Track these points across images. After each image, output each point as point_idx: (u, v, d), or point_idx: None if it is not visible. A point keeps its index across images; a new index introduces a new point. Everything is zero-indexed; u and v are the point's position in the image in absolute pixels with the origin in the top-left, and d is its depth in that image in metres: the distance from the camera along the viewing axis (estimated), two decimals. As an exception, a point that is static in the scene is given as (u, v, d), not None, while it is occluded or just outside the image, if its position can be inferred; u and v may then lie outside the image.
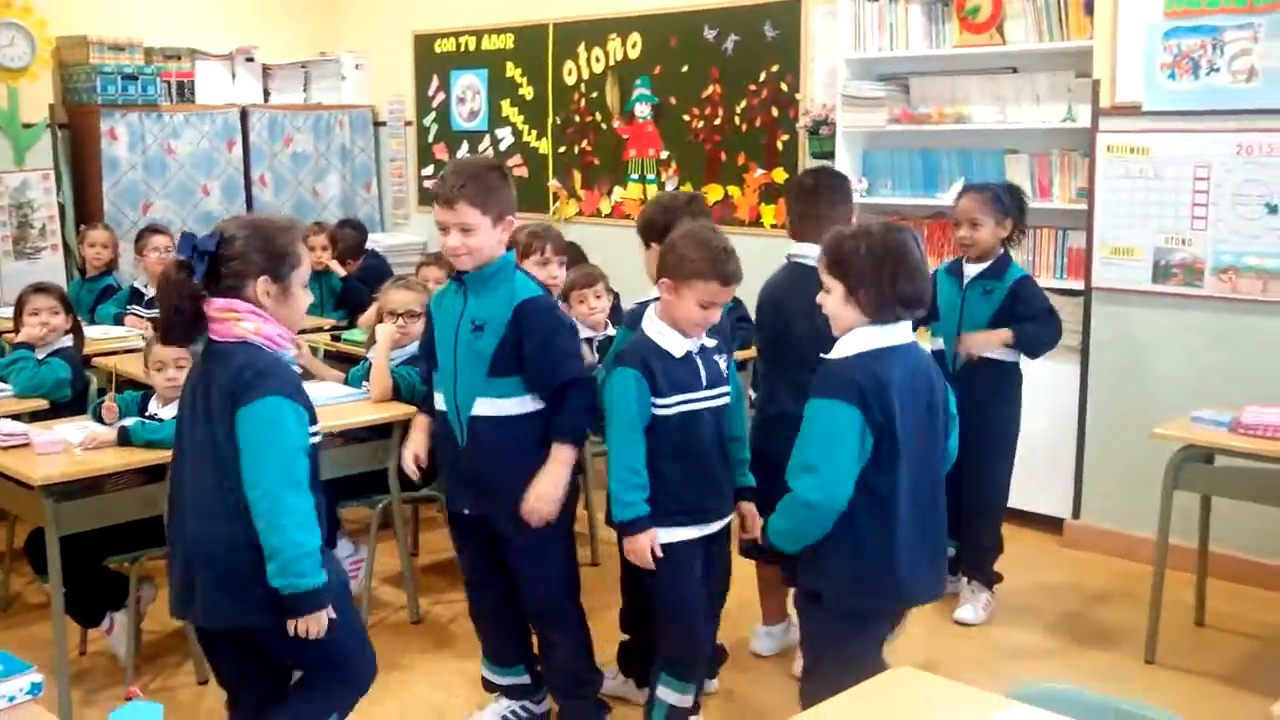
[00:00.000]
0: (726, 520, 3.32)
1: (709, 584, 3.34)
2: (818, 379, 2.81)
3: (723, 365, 3.26)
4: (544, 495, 3.21)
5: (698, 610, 3.30)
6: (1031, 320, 4.28)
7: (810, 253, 3.68)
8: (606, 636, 4.15)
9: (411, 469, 3.51)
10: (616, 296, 5.20)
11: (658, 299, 3.25)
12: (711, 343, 3.25)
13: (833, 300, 2.84)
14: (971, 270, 4.36)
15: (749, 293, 5.47)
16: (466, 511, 3.40)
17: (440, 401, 3.37)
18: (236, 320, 2.66)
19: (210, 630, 2.88)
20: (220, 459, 2.66)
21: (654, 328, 3.19)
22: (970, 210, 4.32)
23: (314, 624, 2.64)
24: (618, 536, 3.42)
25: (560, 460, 3.22)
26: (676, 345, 3.16)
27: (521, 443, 3.24)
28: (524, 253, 4.32)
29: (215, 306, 2.67)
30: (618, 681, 3.79)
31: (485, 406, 3.23)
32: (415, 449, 3.49)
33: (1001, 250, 4.37)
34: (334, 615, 2.72)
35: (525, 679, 3.57)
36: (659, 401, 3.11)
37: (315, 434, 2.74)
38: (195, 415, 2.74)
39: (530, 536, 3.28)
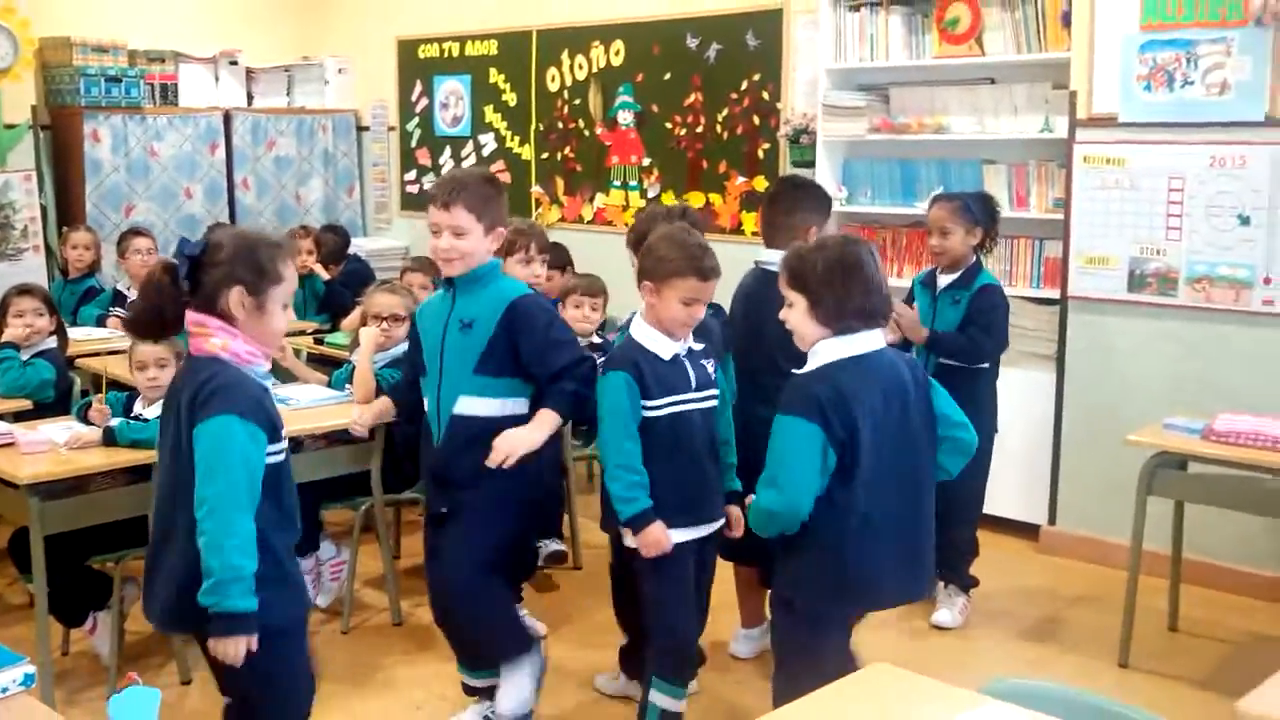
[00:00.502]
0: (718, 524, 3.35)
1: (699, 587, 3.38)
2: (784, 395, 2.85)
3: (710, 369, 3.30)
4: (517, 439, 3.21)
5: (689, 613, 3.33)
6: (969, 326, 4.32)
7: (775, 259, 3.77)
8: (590, 639, 4.20)
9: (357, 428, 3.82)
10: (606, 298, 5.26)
11: None
12: (699, 346, 3.29)
13: (795, 314, 2.89)
14: (944, 280, 4.43)
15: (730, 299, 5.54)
16: (444, 510, 3.42)
17: (425, 405, 3.41)
18: (206, 336, 2.65)
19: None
20: (179, 470, 2.67)
21: (641, 332, 3.24)
22: (940, 219, 4.38)
23: (231, 648, 2.58)
24: (611, 541, 3.46)
25: (543, 421, 3.25)
26: (664, 348, 3.21)
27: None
28: (508, 250, 4.34)
29: (190, 320, 2.67)
30: (620, 683, 3.82)
31: (466, 405, 3.29)
32: (362, 412, 3.82)
33: (974, 259, 4.43)
34: (276, 650, 2.68)
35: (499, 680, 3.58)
36: (648, 404, 3.16)
37: (277, 451, 2.69)
38: (165, 424, 2.76)
39: (474, 527, 3.33)
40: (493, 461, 3.19)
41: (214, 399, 2.59)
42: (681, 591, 3.29)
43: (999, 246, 5.35)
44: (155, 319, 2.73)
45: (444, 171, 8.02)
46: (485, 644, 3.51)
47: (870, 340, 2.86)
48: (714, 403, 3.30)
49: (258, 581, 2.59)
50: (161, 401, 3.84)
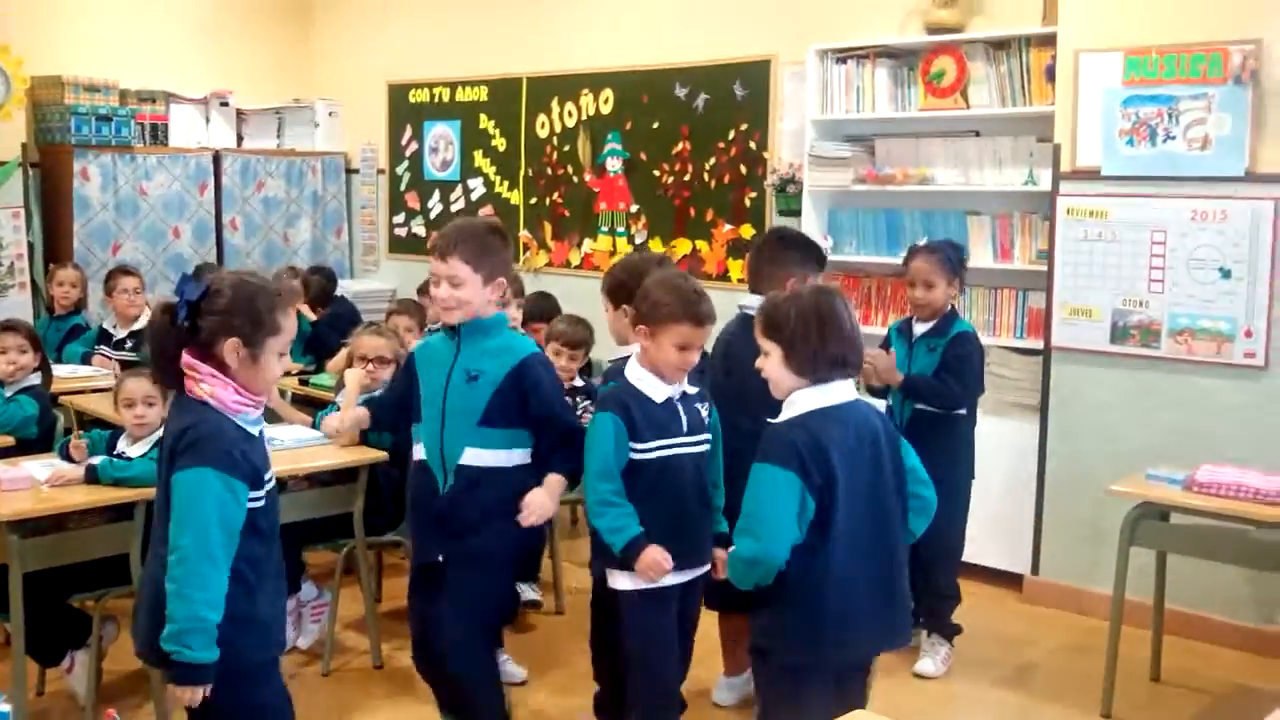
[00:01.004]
0: (704, 569, 3.35)
1: (682, 633, 3.37)
2: (762, 443, 2.84)
3: (704, 412, 3.32)
4: (541, 504, 3.30)
5: (671, 659, 3.33)
6: (943, 372, 4.35)
7: (751, 302, 3.83)
8: (572, 685, 4.18)
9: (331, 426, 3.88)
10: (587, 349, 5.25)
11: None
12: (693, 390, 3.30)
13: (771, 363, 2.89)
14: (919, 328, 4.46)
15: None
16: (440, 559, 3.40)
17: (420, 451, 3.42)
18: (197, 381, 2.66)
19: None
20: (161, 513, 2.69)
21: (635, 374, 3.27)
22: (925, 271, 4.40)
23: (187, 694, 2.61)
24: (595, 585, 3.45)
25: (555, 484, 3.34)
26: (657, 391, 3.24)
27: (504, 492, 3.30)
28: None
29: (184, 362, 2.67)
30: None
31: (473, 456, 3.31)
32: (342, 419, 3.86)
33: (949, 308, 4.46)
34: (242, 691, 2.70)
35: None
36: (637, 446, 3.17)
37: (258, 498, 2.68)
38: (159, 460, 2.78)
39: (474, 577, 3.36)
40: (526, 521, 3.28)
41: (192, 450, 2.60)
42: (665, 636, 3.29)
43: (983, 296, 5.44)
44: (168, 363, 2.70)
45: (432, 215, 8.06)
46: (467, 701, 3.51)
47: (843, 391, 2.87)
48: (705, 447, 3.31)
49: (228, 620, 2.60)
50: (145, 440, 3.89)
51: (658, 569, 3.15)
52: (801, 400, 2.84)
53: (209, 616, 2.57)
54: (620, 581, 3.27)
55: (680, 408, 3.24)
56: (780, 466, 2.75)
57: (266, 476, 2.72)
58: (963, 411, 4.41)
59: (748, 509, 2.82)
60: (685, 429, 3.24)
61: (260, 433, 2.75)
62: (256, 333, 2.66)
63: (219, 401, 2.65)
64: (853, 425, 2.85)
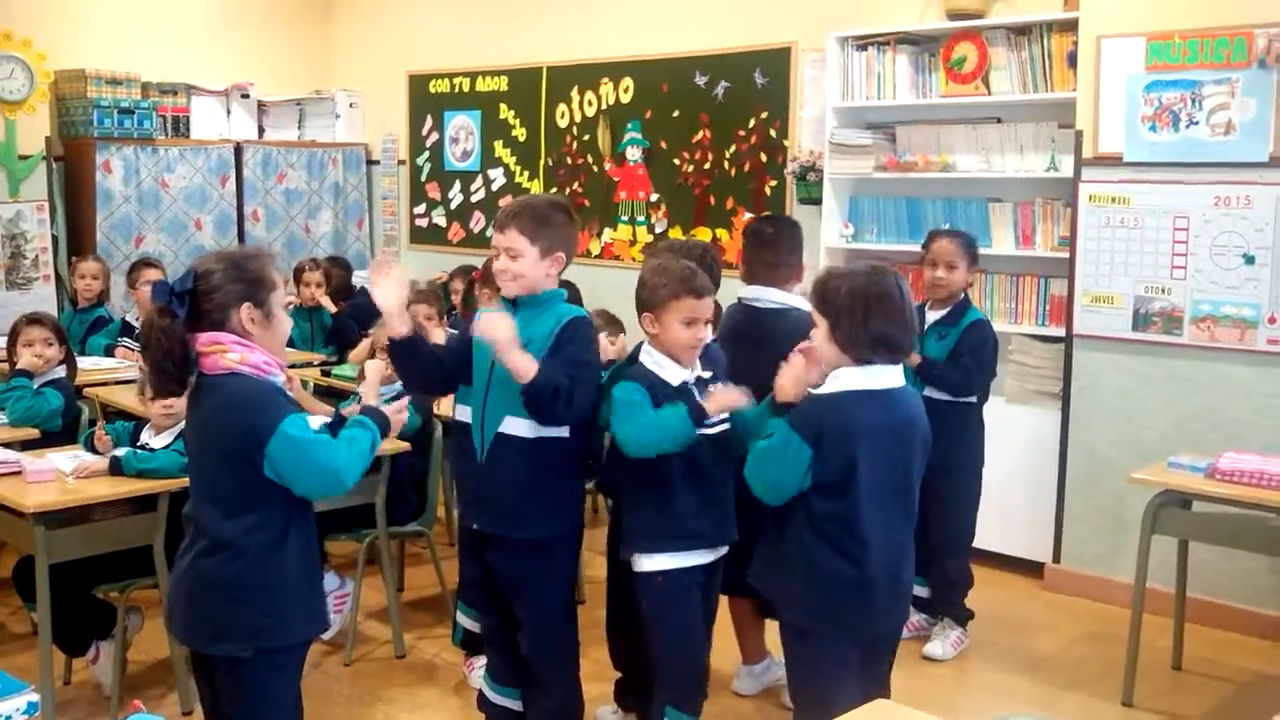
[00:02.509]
0: (725, 549, 3.36)
1: (705, 612, 3.38)
2: (799, 406, 2.93)
3: None
4: (504, 337, 3.13)
5: (700, 638, 3.35)
6: (960, 359, 4.34)
7: (762, 295, 3.84)
8: (595, 673, 4.18)
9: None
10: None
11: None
12: (708, 374, 3.30)
13: (819, 336, 2.93)
14: (932, 315, 4.44)
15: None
16: (475, 527, 3.42)
17: (466, 414, 3.38)
18: (223, 352, 2.69)
19: (197, 652, 2.92)
20: (220, 494, 2.71)
21: (651, 359, 3.27)
22: (949, 253, 4.41)
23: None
24: (610, 574, 3.43)
25: (526, 362, 3.11)
26: (672, 374, 3.24)
27: (540, 466, 3.27)
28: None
29: (201, 341, 2.71)
30: (618, 718, 3.81)
31: (512, 425, 3.24)
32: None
33: (962, 295, 4.46)
34: (286, 672, 2.83)
35: (517, 704, 3.57)
36: None
37: None
38: (195, 450, 2.81)
39: (533, 570, 3.33)
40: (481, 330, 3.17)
41: (266, 417, 2.66)
42: (693, 617, 3.31)
43: (1005, 284, 5.41)
44: (174, 366, 2.71)
45: (452, 206, 8.07)
46: (556, 678, 3.48)
47: (888, 377, 2.89)
48: (725, 427, 3.27)
49: (286, 598, 2.74)
50: (169, 431, 3.91)
51: (732, 400, 3.13)
52: (844, 378, 2.88)
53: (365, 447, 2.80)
54: (647, 564, 3.26)
55: (695, 392, 3.23)
56: (800, 437, 2.83)
57: None
58: (973, 400, 4.40)
59: (760, 460, 2.93)
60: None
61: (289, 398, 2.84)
62: (261, 291, 2.74)
63: (251, 366, 2.70)
64: (893, 413, 2.89)
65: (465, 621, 4.05)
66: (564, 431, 3.28)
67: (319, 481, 2.71)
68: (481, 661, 3.99)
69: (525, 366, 3.10)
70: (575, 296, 5.91)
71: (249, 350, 2.72)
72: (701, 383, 3.27)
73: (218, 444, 2.72)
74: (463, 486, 3.60)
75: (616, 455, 3.29)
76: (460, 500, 3.67)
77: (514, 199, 3.47)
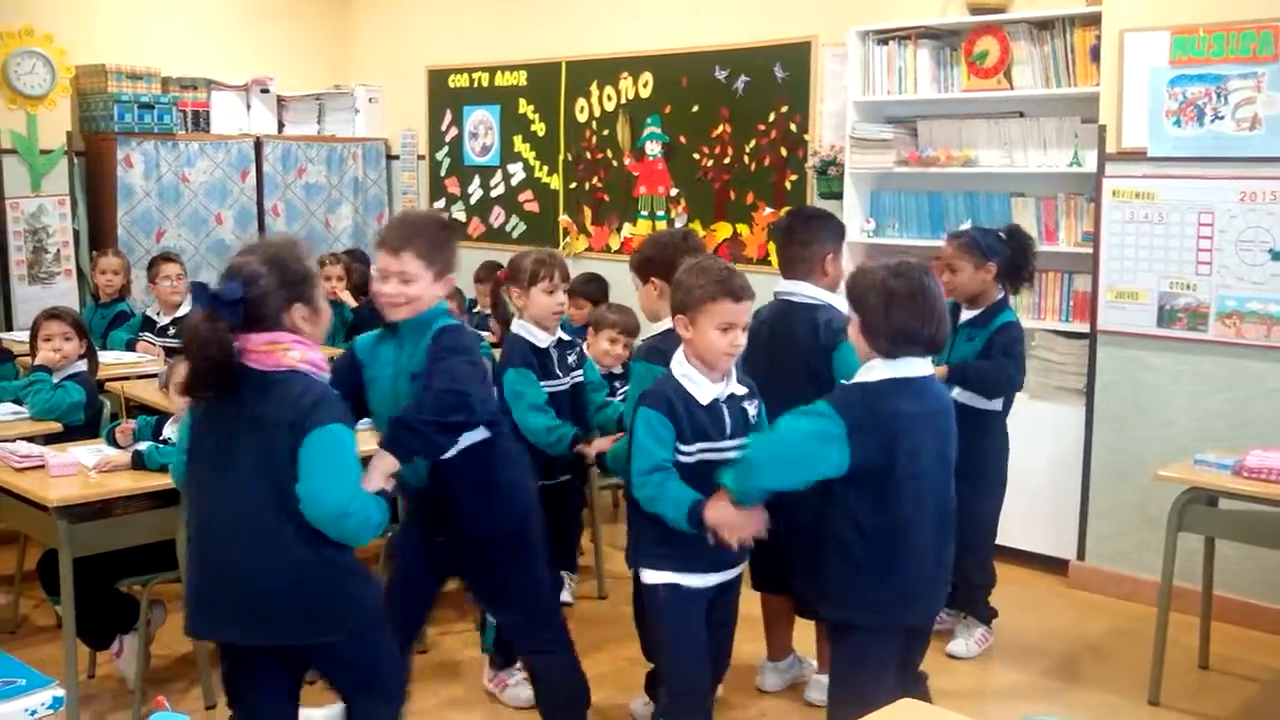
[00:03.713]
0: (740, 569, 3.27)
1: (716, 631, 3.29)
2: (837, 391, 2.96)
3: (752, 412, 3.19)
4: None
5: (698, 654, 3.23)
6: (986, 359, 4.29)
7: (796, 289, 3.79)
8: (617, 669, 4.18)
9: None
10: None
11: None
12: (742, 390, 3.18)
13: (851, 330, 2.97)
14: (964, 315, 4.39)
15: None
16: (441, 540, 3.35)
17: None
18: (285, 351, 2.70)
19: (251, 647, 2.88)
20: (280, 488, 2.71)
21: (682, 371, 3.12)
22: (948, 255, 4.35)
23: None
24: (634, 581, 3.41)
25: (381, 467, 2.95)
26: (704, 391, 3.08)
27: (478, 470, 3.20)
28: (531, 279, 4.18)
29: (258, 341, 2.70)
30: (650, 709, 3.79)
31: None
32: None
33: (998, 295, 4.36)
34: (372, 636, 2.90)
35: None
36: (681, 448, 3.06)
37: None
38: (239, 446, 2.75)
39: (497, 574, 3.31)
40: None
41: (322, 410, 2.71)
42: (693, 631, 3.20)
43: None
44: (219, 369, 2.70)
45: (472, 201, 8.07)
46: (549, 670, 3.51)
47: (917, 366, 2.92)
48: (736, 454, 3.11)
49: (344, 571, 2.83)
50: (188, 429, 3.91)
51: (728, 518, 2.98)
52: (871, 370, 2.92)
53: (375, 511, 2.80)
54: (650, 576, 3.20)
55: (725, 410, 3.11)
56: (838, 413, 2.84)
57: None
58: (998, 407, 4.34)
59: (783, 437, 2.93)
60: (728, 433, 3.11)
61: None
62: (308, 288, 2.78)
63: (310, 364, 2.74)
64: (922, 400, 2.92)
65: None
66: (481, 433, 3.18)
67: (333, 495, 2.70)
68: (515, 678, 3.97)
69: (387, 466, 2.95)
70: (603, 290, 5.97)
71: (308, 348, 2.76)
72: (735, 400, 3.14)
73: (284, 439, 2.71)
74: (415, 507, 3.45)
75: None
76: (410, 516, 3.54)
77: (395, 218, 3.35)
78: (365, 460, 2.89)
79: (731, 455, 3.08)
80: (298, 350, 2.72)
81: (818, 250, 3.82)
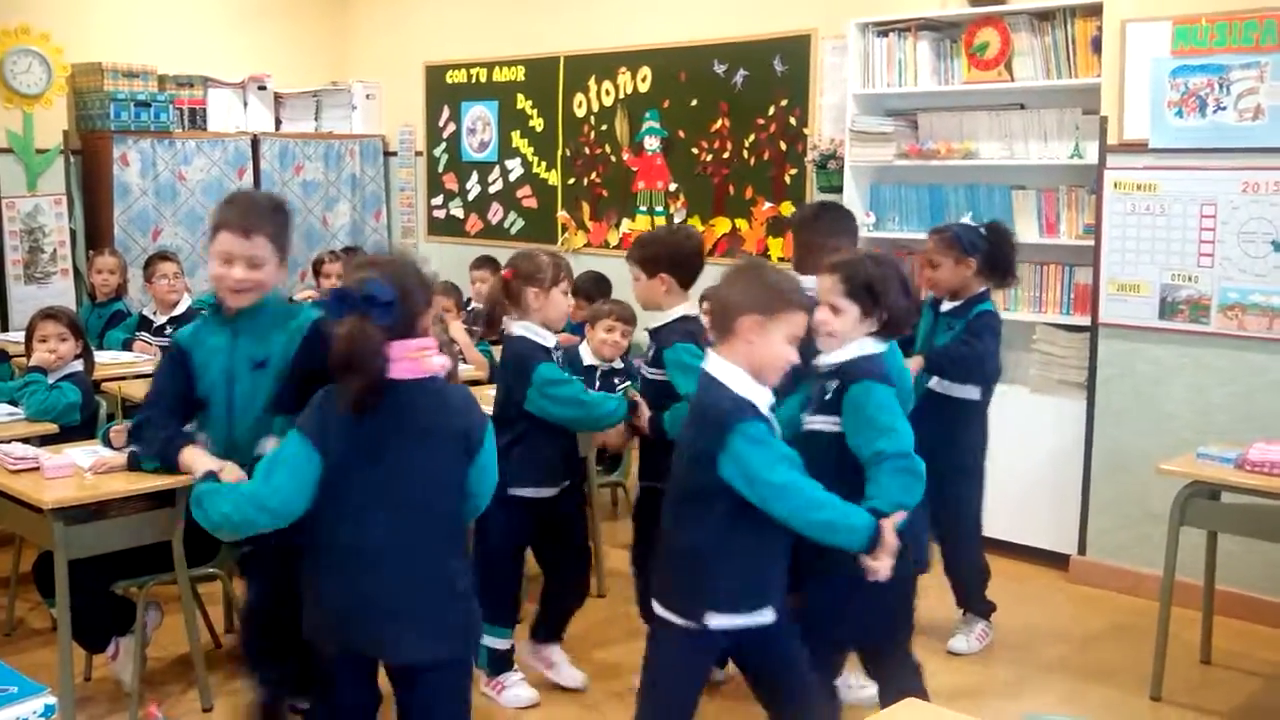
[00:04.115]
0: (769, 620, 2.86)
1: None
2: (857, 363, 2.98)
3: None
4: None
5: (685, 710, 2.94)
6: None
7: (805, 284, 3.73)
8: (619, 666, 4.16)
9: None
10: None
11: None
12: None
13: (844, 321, 2.99)
14: (945, 305, 4.38)
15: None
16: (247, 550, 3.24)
17: (212, 446, 3.12)
18: (432, 354, 2.70)
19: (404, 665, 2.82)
20: (453, 497, 2.76)
21: (733, 378, 2.80)
22: (929, 250, 4.37)
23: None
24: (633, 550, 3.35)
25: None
26: (761, 398, 2.80)
27: None
28: (553, 280, 3.96)
29: (410, 347, 2.67)
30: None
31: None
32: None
33: (978, 289, 4.32)
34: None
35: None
36: None
37: None
38: (406, 462, 2.68)
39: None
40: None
41: (477, 408, 2.81)
42: (688, 681, 2.93)
43: (1029, 272, 5.32)
44: (376, 377, 2.63)
45: (470, 197, 8.04)
46: None
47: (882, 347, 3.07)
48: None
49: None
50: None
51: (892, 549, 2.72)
52: (859, 346, 3.01)
53: None
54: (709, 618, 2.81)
55: (773, 420, 2.85)
56: (884, 384, 2.93)
57: None
58: (976, 396, 4.30)
59: (879, 422, 2.89)
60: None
61: None
62: (430, 295, 2.79)
63: (443, 369, 2.76)
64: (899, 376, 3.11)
65: (491, 641, 3.87)
66: None
67: (492, 481, 2.90)
68: (513, 679, 3.95)
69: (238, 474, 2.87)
70: (607, 290, 5.94)
71: (441, 354, 2.78)
72: (772, 409, 2.86)
73: (459, 446, 2.76)
74: None
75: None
76: None
77: (235, 197, 3.19)
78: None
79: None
80: (439, 356, 2.71)
81: (836, 243, 3.76)
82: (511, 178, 7.79)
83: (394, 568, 2.69)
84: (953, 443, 4.12)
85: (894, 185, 5.85)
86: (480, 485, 2.84)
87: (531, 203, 7.67)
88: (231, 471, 2.91)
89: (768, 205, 6.49)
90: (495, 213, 7.91)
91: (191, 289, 6.53)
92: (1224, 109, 4.63)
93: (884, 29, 5.69)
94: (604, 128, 7.25)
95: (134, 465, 3.75)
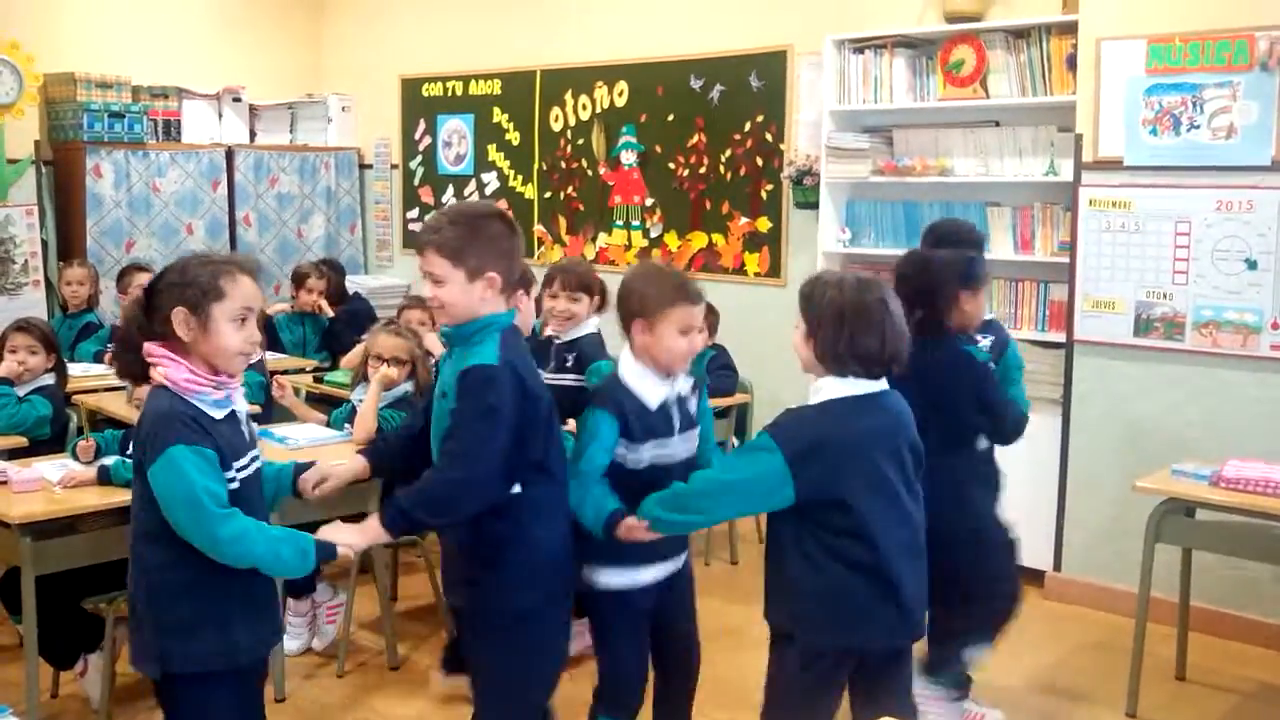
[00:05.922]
0: (683, 557, 3.22)
1: (678, 621, 3.27)
2: (782, 416, 2.87)
3: (694, 404, 3.17)
4: (340, 533, 2.77)
5: (634, 654, 3.18)
6: None
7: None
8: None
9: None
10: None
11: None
12: (688, 385, 3.15)
13: (797, 335, 2.91)
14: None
15: (734, 341, 5.50)
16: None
17: None
18: (155, 365, 2.62)
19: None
20: (143, 507, 2.64)
21: (631, 373, 3.06)
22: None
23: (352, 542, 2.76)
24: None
25: (370, 529, 2.77)
26: (652, 394, 3.04)
27: (480, 526, 2.83)
28: (602, 302, 4.00)
29: (145, 351, 2.63)
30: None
31: None
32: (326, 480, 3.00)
33: (986, 317, 4.33)
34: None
35: None
36: (629, 452, 3.01)
37: (242, 468, 2.65)
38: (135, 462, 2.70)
39: (486, 655, 2.96)
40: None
41: (154, 438, 2.55)
42: (632, 631, 3.17)
43: (1004, 289, 5.33)
44: (130, 357, 2.67)
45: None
46: None
47: (870, 384, 2.85)
48: (695, 443, 3.16)
49: (191, 630, 2.62)
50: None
51: (636, 533, 2.92)
52: (828, 388, 2.84)
53: (269, 548, 2.58)
54: (594, 577, 3.09)
55: (675, 411, 3.08)
56: (777, 445, 2.77)
57: (238, 462, 2.64)
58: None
59: (720, 475, 2.96)
60: (677, 430, 3.08)
61: (232, 414, 2.67)
62: (201, 299, 2.59)
63: (171, 382, 2.59)
64: (876, 417, 2.85)
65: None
66: (516, 487, 2.82)
67: (184, 521, 2.54)
68: None
69: (374, 536, 2.78)
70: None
71: (174, 367, 2.60)
72: (682, 401, 3.11)
73: (137, 455, 2.66)
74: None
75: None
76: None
77: (438, 211, 3.04)
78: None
79: (681, 450, 3.08)
80: (163, 366, 2.63)
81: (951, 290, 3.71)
82: (488, 191, 7.77)
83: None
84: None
85: (869, 201, 5.86)
86: (159, 501, 2.59)
87: (508, 216, 7.64)
88: None
89: (744, 220, 6.49)
90: (471, 226, 7.86)
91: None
92: (1198, 127, 4.65)
93: (860, 46, 5.71)
94: (580, 142, 7.24)
95: (104, 479, 3.72)
